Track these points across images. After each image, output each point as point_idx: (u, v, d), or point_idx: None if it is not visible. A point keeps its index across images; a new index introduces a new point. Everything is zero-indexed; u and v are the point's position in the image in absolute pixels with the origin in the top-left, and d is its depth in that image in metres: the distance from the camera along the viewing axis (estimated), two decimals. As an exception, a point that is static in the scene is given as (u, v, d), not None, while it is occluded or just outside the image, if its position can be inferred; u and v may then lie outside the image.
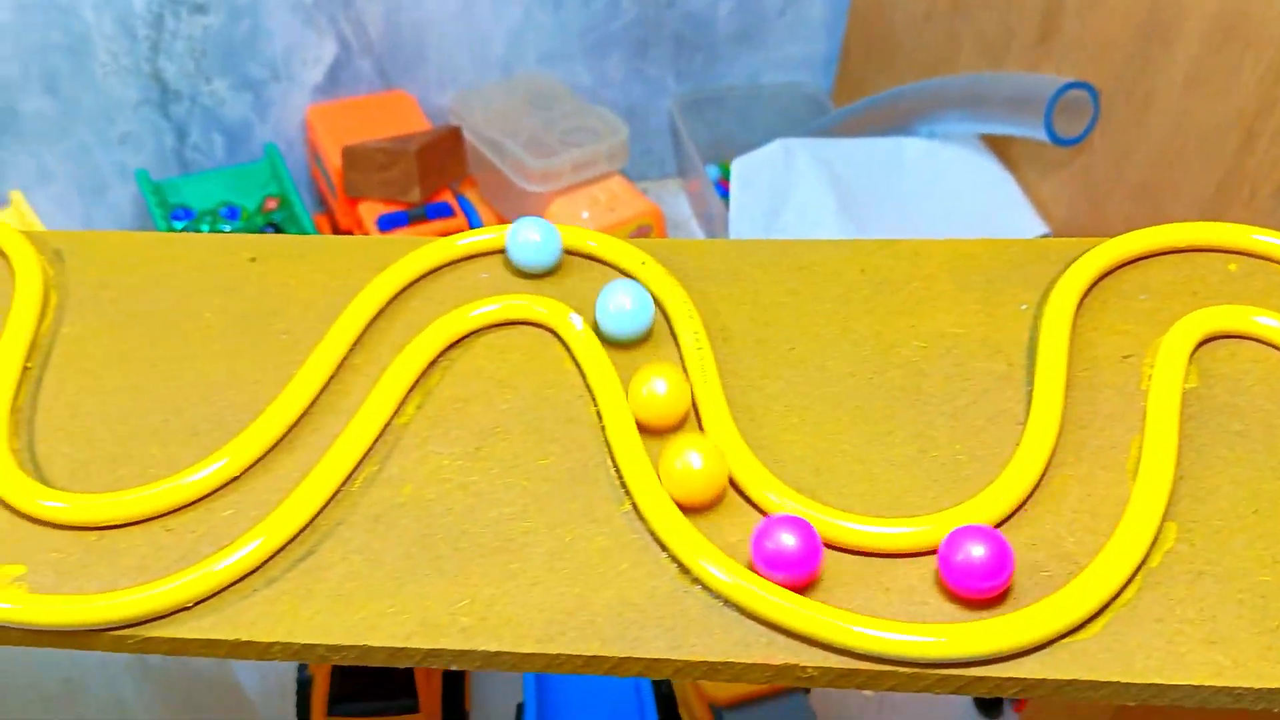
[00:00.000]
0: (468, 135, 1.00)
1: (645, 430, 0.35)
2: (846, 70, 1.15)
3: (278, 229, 0.98)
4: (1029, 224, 0.90)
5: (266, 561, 0.32)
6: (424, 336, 0.38)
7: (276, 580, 0.32)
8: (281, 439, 0.36)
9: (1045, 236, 0.87)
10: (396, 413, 0.36)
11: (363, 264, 0.41)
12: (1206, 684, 0.29)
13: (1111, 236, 0.40)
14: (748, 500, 0.34)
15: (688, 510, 0.33)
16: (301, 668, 0.69)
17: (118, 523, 0.33)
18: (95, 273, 0.42)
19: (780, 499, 0.33)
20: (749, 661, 0.30)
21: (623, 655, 0.30)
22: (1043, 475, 0.33)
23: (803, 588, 0.31)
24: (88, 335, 0.39)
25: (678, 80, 1.13)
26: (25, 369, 0.38)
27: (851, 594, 0.31)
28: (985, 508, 0.32)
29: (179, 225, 0.97)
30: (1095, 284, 0.39)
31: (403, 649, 0.31)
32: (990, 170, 0.94)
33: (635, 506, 0.33)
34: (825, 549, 0.32)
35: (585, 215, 0.97)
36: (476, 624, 0.31)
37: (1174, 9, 0.73)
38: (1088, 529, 0.32)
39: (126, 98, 0.96)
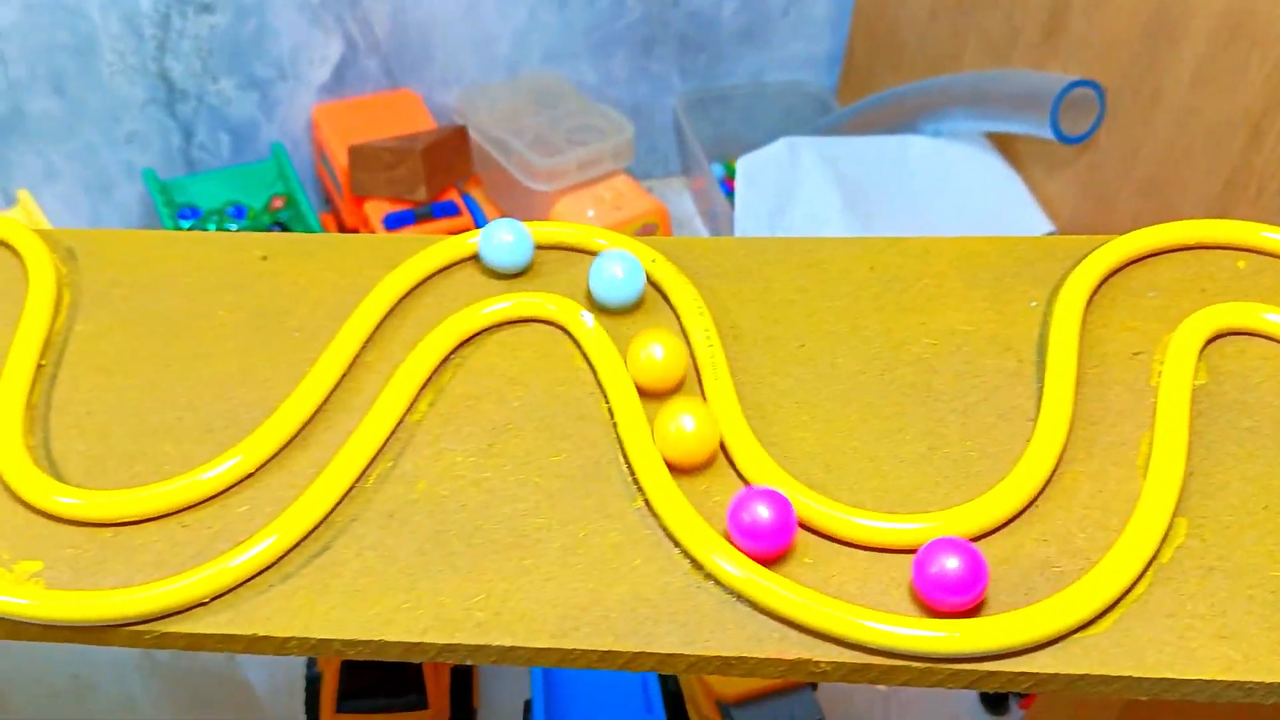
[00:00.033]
0: (473, 134, 1.00)
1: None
2: (851, 69, 1.15)
3: (284, 228, 0.98)
4: (1035, 222, 0.90)
5: (282, 557, 0.32)
6: (436, 334, 0.38)
7: (292, 576, 0.32)
8: (295, 436, 0.36)
9: (1051, 234, 0.87)
10: (409, 410, 0.36)
11: (373, 262, 0.41)
12: (1218, 678, 0.29)
13: (1118, 234, 0.40)
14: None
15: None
16: (310, 665, 0.69)
17: (133, 519, 0.34)
18: (108, 271, 0.42)
19: (792, 494, 0.33)
20: (762, 656, 0.30)
21: (636, 650, 0.30)
22: (1054, 471, 0.33)
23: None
24: (101, 333, 0.40)
25: (682, 79, 1.13)
26: (39, 366, 0.38)
27: (863, 590, 0.31)
28: (996, 504, 0.32)
29: (185, 224, 0.97)
30: (1104, 281, 0.39)
31: (418, 644, 0.31)
32: (996, 168, 0.94)
33: (648, 502, 0.34)
34: (836, 544, 0.32)
35: (591, 214, 0.97)
36: (491, 619, 0.31)
37: (1180, 7, 0.73)
38: (1099, 525, 0.32)
39: (133, 97, 0.96)
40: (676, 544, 0.32)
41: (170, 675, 0.75)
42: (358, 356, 0.38)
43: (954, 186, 0.93)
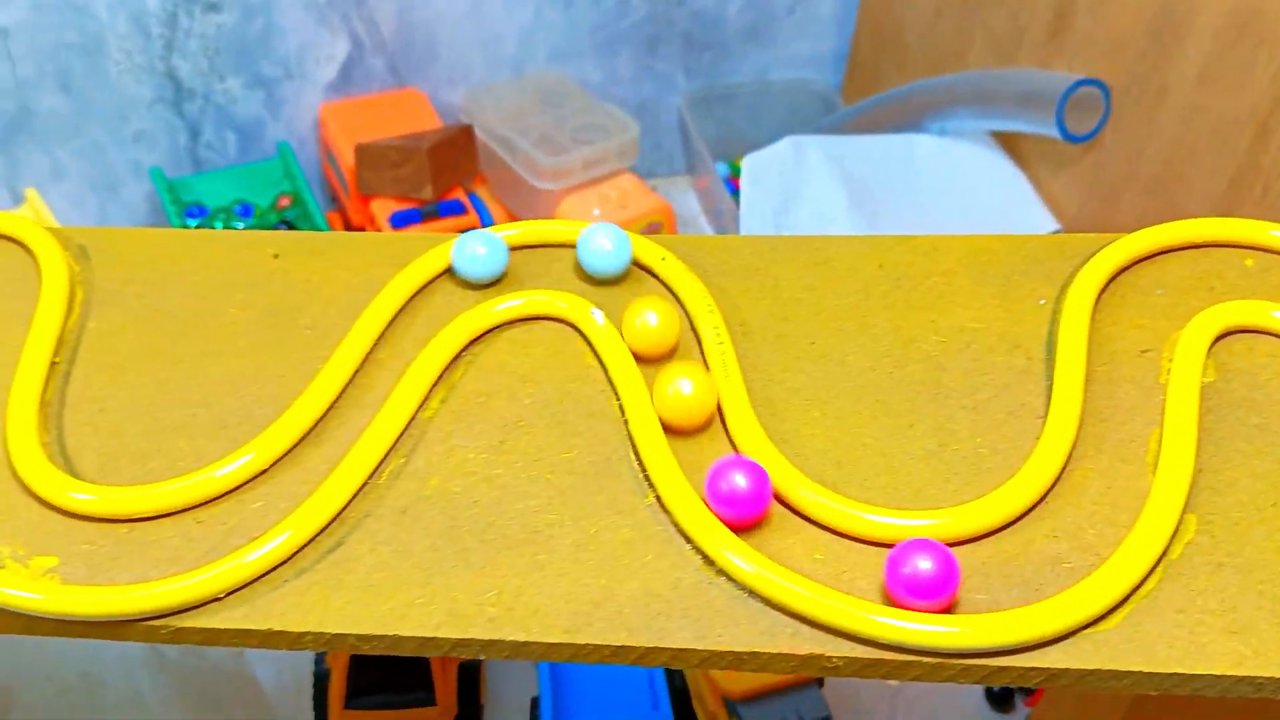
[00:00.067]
0: (479, 133, 1.00)
1: (670, 430, 0.35)
2: (856, 67, 1.15)
3: (290, 226, 0.98)
4: (1040, 220, 0.90)
5: (296, 553, 0.33)
6: (447, 331, 0.38)
7: (306, 571, 0.32)
8: (309, 433, 0.36)
9: (1057, 233, 0.88)
10: (421, 407, 0.37)
11: (383, 259, 0.42)
12: (1228, 674, 0.29)
13: (1123, 233, 0.40)
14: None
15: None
16: (318, 661, 0.70)
17: (148, 515, 0.34)
18: (120, 269, 0.42)
19: (802, 491, 0.33)
20: (774, 651, 0.30)
21: (649, 645, 0.31)
22: (1064, 468, 0.34)
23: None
24: (114, 331, 0.40)
25: (687, 77, 1.13)
26: (53, 363, 0.38)
27: (873, 584, 0.31)
28: (1007, 500, 0.33)
29: (192, 222, 0.98)
30: (1113, 279, 0.39)
31: (432, 639, 0.31)
32: (1001, 167, 0.94)
33: (659, 499, 0.34)
34: (846, 540, 0.33)
35: (596, 212, 0.97)
36: (504, 614, 0.31)
37: (1186, 5, 0.73)
38: (1108, 521, 0.33)
39: (140, 96, 0.97)
40: (688, 540, 0.33)
41: (179, 672, 0.76)
42: (369, 354, 0.38)
43: (959, 185, 0.94)
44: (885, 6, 1.08)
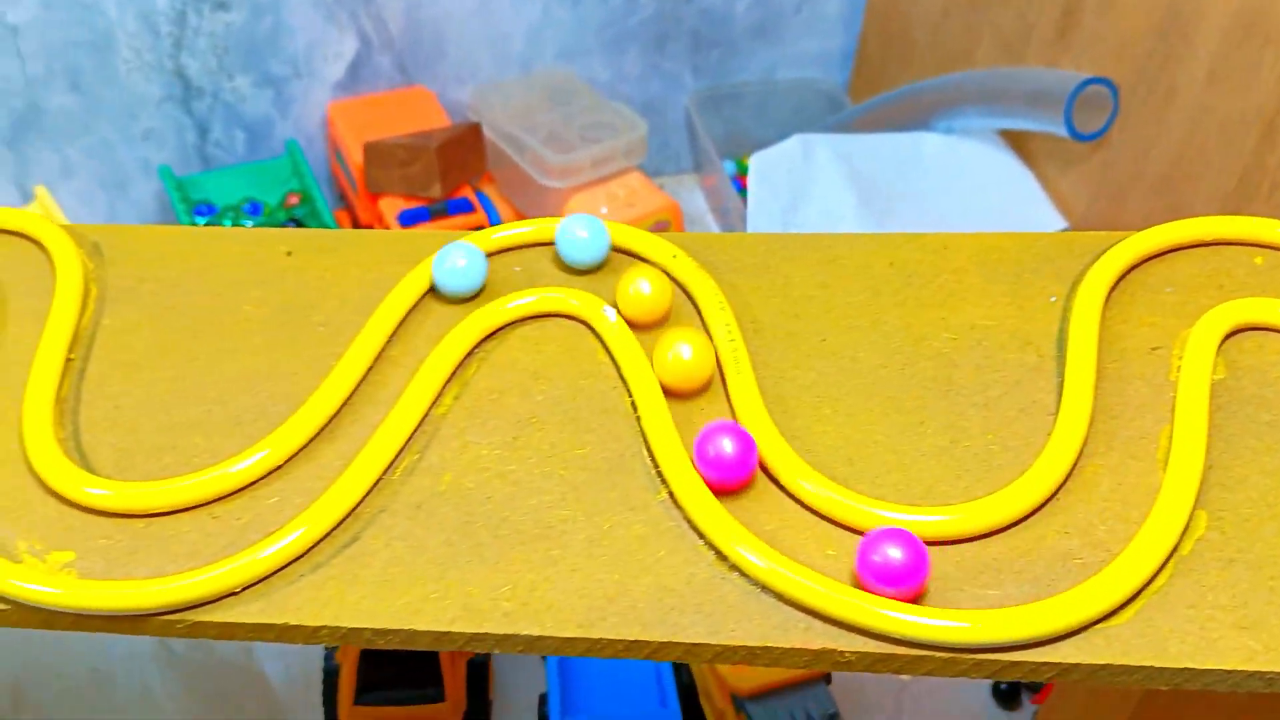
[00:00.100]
0: (487, 131, 1.01)
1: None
2: (863, 66, 1.15)
3: (299, 224, 0.98)
4: (1048, 219, 0.90)
5: (312, 548, 0.33)
6: (460, 329, 0.39)
7: (322, 566, 0.33)
8: (323, 429, 0.36)
9: (1065, 231, 0.88)
10: (434, 404, 0.37)
11: (395, 257, 0.42)
12: (1239, 668, 0.29)
13: (1131, 232, 0.40)
14: (781, 488, 0.34)
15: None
16: (328, 657, 0.70)
17: (164, 510, 0.34)
18: (133, 266, 0.42)
19: (814, 487, 0.33)
20: (787, 646, 0.31)
21: (663, 640, 0.31)
22: (1074, 465, 0.34)
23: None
24: (128, 328, 0.40)
25: (694, 76, 1.13)
26: (68, 360, 0.39)
27: (887, 581, 0.32)
28: (1018, 497, 0.33)
29: (201, 220, 0.98)
30: (1123, 277, 0.39)
31: (446, 633, 0.31)
32: (1009, 165, 0.94)
33: (671, 495, 0.34)
34: (859, 536, 0.33)
35: (604, 210, 0.98)
36: (519, 609, 0.31)
37: (1194, 5, 0.73)
38: (1119, 517, 0.33)
39: (149, 94, 0.97)
40: (701, 536, 0.33)
41: (188, 668, 0.76)
42: (382, 351, 0.39)
43: (967, 183, 0.94)
44: (893, 5, 1.08)
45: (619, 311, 0.39)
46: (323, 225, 0.97)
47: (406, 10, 1.00)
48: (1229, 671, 0.29)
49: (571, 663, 0.70)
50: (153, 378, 0.38)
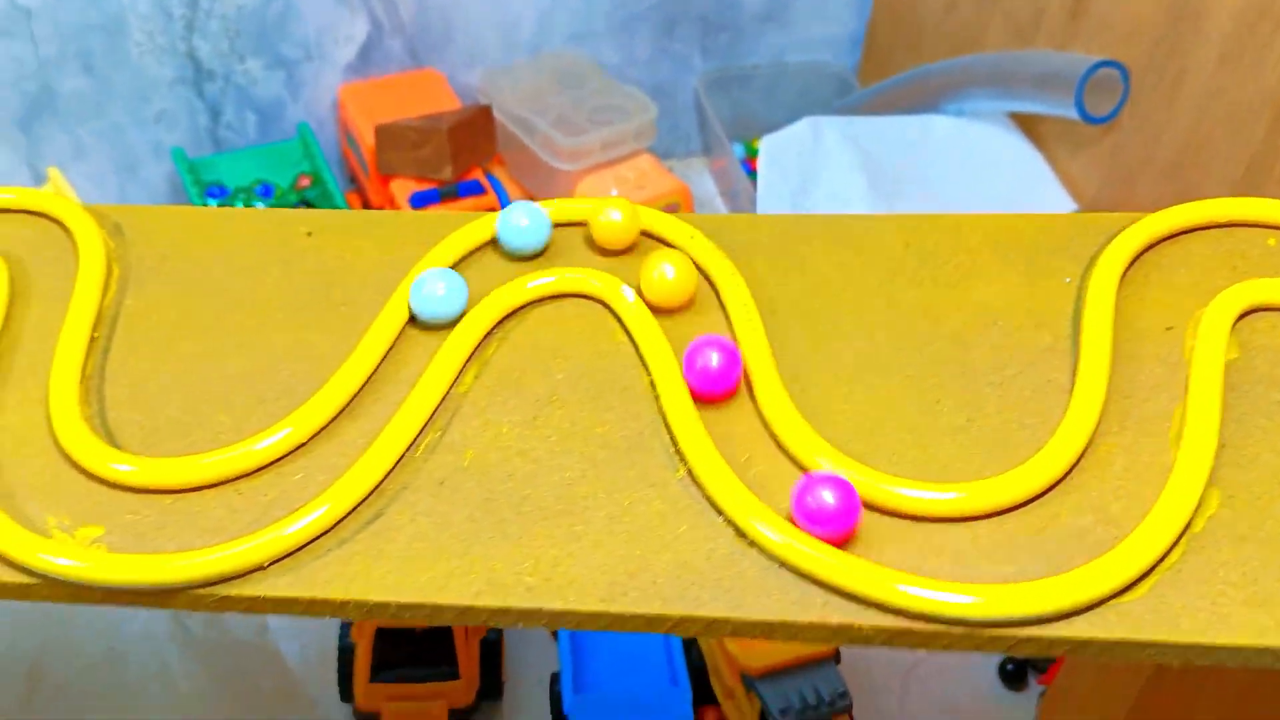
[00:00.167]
0: (497, 114, 1.01)
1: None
2: (873, 49, 1.15)
3: (310, 206, 0.99)
4: (1058, 202, 0.90)
5: (337, 524, 0.33)
6: (480, 308, 0.39)
7: (348, 541, 0.33)
8: (345, 407, 0.37)
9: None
10: (455, 382, 0.37)
11: (413, 238, 0.42)
12: (1250, 644, 0.30)
13: (1145, 213, 0.40)
14: (800, 467, 0.35)
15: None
16: (343, 635, 0.71)
17: (190, 486, 0.35)
18: (155, 246, 0.43)
19: (832, 465, 0.34)
20: (806, 621, 0.31)
21: (683, 615, 0.31)
22: (1089, 443, 0.34)
23: (841, 543, 0.32)
24: (151, 307, 0.41)
25: (704, 58, 1.14)
26: (92, 339, 0.39)
27: (904, 556, 0.32)
28: (1033, 475, 0.33)
29: (213, 202, 0.98)
30: (1137, 258, 0.40)
31: (471, 607, 0.32)
32: (1019, 148, 0.94)
33: (690, 472, 0.34)
34: (876, 513, 0.33)
35: (614, 193, 0.98)
36: (542, 584, 0.32)
37: (1206, -13, 0.73)
38: (1133, 495, 0.33)
39: (161, 76, 0.97)
40: (719, 512, 0.33)
41: (204, 647, 0.77)
42: (403, 330, 0.39)
43: (977, 166, 0.94)
44: (902, -12, 1.08)
45: (639, 293, 0.39)
46: (334, 207, 0.97)
47: (417, -7, 1.00)
48: (1240, 647, 0.30)
49: (583, 641, 0.70)
50: (176, 355, 0.39)
